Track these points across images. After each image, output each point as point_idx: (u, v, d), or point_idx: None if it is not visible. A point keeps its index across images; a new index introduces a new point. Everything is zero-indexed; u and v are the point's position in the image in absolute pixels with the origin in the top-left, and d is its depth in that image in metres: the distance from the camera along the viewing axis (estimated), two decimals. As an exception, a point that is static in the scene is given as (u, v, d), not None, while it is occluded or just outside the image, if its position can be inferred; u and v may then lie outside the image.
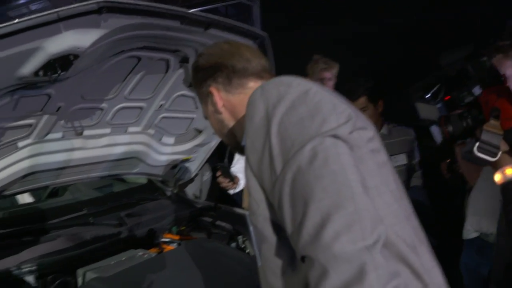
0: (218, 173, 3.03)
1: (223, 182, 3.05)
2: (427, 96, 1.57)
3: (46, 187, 2.81)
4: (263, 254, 0.99)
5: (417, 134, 3.29)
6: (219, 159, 3.11)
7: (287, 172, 0.87)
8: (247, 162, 0.97)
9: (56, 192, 2.89)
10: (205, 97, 1.22)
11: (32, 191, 2.82)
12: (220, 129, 1.24)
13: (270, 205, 0.93)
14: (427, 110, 1.58)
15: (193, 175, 3.04)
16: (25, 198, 2.83)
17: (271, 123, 0.91)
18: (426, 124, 1.59)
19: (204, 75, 1.20)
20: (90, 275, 1.92)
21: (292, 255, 0.92)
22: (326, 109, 0.91)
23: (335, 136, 0.88)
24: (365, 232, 0.79)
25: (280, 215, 0.89)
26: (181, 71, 2.19)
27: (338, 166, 0.85)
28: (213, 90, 1.18)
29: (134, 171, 2.65)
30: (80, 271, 1.96)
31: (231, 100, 1.17)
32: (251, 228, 1.03)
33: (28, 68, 1.53)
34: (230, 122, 1.19)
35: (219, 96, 1.18)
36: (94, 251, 2.10)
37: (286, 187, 0.87)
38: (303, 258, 0.83)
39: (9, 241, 2.08)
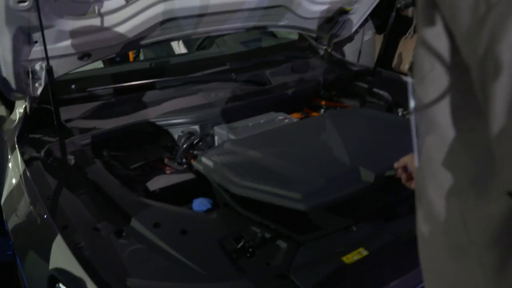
0: None
1: None
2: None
3: (192, 39, 2.72)
4: (426, 151, 0.58)
5: None
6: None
7: None
8: None
9: (203, 45, 2.76)
10: None
11: (182, 42, 2.74)
12: None
13: (460, 68, 0.50)
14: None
15: (352, 31, 2.55)
16: (175, 49, 2.78)
17: None
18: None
19: None
20: (226, 134, 1.78)
21: (483, 172, 0.50)
22: None
23: None
24: None
25: (483, 89, 0.46)
26: None
27: None
28: None
29: (282, 23, 2.29)
30: (217, 130, 1.83)
31: None
32: (411, 104, 0.62)
33: None
34: None
35: None
36: (232, 110, 1.94)
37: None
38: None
39: (150, 92, 2.03)
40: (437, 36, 0.53)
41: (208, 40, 2.70)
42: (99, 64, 2.50)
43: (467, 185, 0.52)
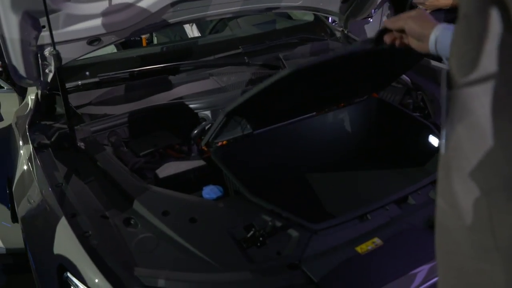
0: None
1: None
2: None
3: (205, 22, 2.67)
4: (455, 139, 0.52)
5: None
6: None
7: None
8: None
9: (217, 28, 2.70)
10: None
11: (195, 25, 2.69)
12: None
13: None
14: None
15: (370, 11, 2.45)
16: (188, 32, 2.73)
17: None
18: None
19: None
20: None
21: None
22: None
23: None
24: None
25: None
26: None
27: None
28: None
29: (297, 4, 2.21)
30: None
31: None
32: (444, 81, 0.55)
33: None
34: None
35: None
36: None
37: None
38: None
39: (161, 77, 2.00)
40: (484, 10, 0.45)
41: (222, 23, 2.64)
42: (112, 49, 2.48)
43: (498, 186, 0.46)
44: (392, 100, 2.12)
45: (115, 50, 2.46)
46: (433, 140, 1.78)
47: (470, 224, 0.49)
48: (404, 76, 2.18)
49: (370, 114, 2.01)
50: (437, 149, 1.75)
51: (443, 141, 0.53)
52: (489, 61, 0.45)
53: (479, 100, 0.45)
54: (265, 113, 1.66)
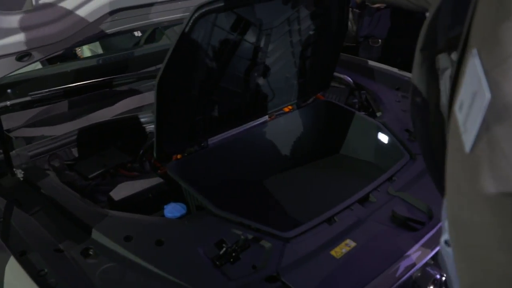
0: None
1: None
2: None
3: (139, 30, 2.55)
4: (489, 139, 0.48)
5: None
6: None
7: None
8: None
9: (153, 37, 2.59)
10: None
11: (126, 34, 2.56)
12: None
13: None
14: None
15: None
16: (120, 44, 2.59)
17: None
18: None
19: None
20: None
21: None
22: None
23: None
24: None
25: None
26: None
27: None
28: None
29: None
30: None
31: None
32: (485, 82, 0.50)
33: None
34: None
35: None
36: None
37: None
38: None
39: (102, 91, 1.87)
40: None
41: (158, 32, 2.54)
42: (36, 65, 2.28)
43: None
44: (338, 100, 2.16)
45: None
46: (382, 138, 1.84)
47: (500, 219, 0.48)
48: (346, 77, 2.24)
49: (319, 116, 2.04)
50: (386, 146, 1.81)
51: (470, 136, 0.50)
52: None
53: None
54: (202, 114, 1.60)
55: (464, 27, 0.52)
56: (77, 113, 1.75)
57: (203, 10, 1.34)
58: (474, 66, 0.47)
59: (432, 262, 1.26)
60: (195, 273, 1.14)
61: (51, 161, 1.53)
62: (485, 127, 0.47)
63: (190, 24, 1.32)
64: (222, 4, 1.39)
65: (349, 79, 2.23)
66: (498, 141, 0.46)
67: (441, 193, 0.64)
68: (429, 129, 0.65)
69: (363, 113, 2.02)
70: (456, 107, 0.53)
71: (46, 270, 1.07)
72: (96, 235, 1.20)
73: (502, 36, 0.44)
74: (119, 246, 1.17)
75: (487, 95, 0.45)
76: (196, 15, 1.32)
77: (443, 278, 1.25)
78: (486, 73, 0.46)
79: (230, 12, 1.44)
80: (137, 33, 2.61)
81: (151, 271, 1.12)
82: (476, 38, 0.49)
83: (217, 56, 1.50)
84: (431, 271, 1.25)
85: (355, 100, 2.12)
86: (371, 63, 2.34)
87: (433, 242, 1.28)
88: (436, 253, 1.25)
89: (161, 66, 1.32)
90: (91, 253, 1.16)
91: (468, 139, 0.50)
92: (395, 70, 2.24)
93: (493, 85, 0.45)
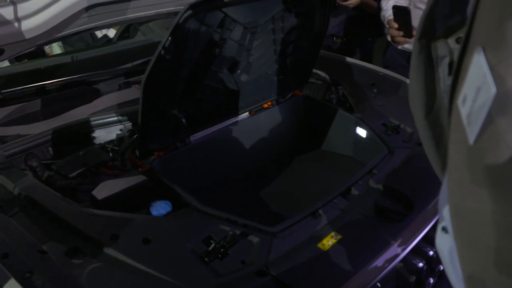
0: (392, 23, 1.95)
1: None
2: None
3: (115, 25, 2.50)
4: (493, 131, 0.50)
5: None
6: None
7: None
8: None
9: (127, 33, 2.55)
10: None
11: (101, 30, 2.50)
12: None
13: None
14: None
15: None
16: (95, 40, 2.53)
17: None
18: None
19: None
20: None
21: None
22: None
23: None
24: None
25: None
26: None
27: None
28: None
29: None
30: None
31: None
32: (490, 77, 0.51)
33: None
34: None
35: None
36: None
37: None
38: None
39: (78, 89, 1.82)
40: None
41: (132, 28, 2.49)
42: (3, 63, 2.19)
43: None
44: (316, 96, 2.19)
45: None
46: (361, 132, 1.88)
47: (501, 207, 0.49)
48: (322, 73, 2.27)
49: (298, 111, 2.06)
50: (365, 140, 1.85)
51: (475, 129, 0.52)
52: None
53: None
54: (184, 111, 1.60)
55: (466, 25, 0.54)
56: (53, 111, 1.70)
57: (195, 9, 1.32)
58: (478, 62, 0.49)
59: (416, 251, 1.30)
60: (184, 270, 1.13)
61: (28, 161, 1.48)
62: (490, 119, 0.49)
63: (180, 22, 1.31)
64: (213, 3, 1.39)
65: (326, 75, 2.26)
66: (502, 132, 0.48)
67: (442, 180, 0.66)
68: (428, 117, 0.67)
69: (341, 108, 2.05)
70: (459, 101, 0.54)
71: (31, 272, 1.04)
72: (80, 235, 1.17)
73: (508, 34, 0.46)
74: (105, 246, 1.15)
75: (493, 89, 0.47)
76: (187, 13, 1.31)
77: (425, 268, 1.30)
78: (491, 68, 0.48)
79: (218, 11, 1.44)
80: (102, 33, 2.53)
81: (139, 270, 1.11)
82: (480, 35, 0.50)
83: (203, 54, 1.50)
84: (414, 261, 1.29)
85: (333, 96, 2.15)
86: (348, 59, 2.38)
87: (414, 232, 1.32)
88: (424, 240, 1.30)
89: (149, 64, 1.30)
90: (76, 253, 1.14)
91: (472, 131, 0.52)
92: (370, 65, 2.29)
93: (498, 80, 0.47)
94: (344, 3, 2.61)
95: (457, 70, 0.56)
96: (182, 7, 1.34)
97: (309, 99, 2.07)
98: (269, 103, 2.01)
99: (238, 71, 1.70)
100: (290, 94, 2.10)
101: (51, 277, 1.05)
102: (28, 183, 1.34)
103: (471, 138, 0.52)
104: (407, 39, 1.92)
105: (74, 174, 1.45)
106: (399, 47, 2.17)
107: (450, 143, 0.59)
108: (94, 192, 1.36)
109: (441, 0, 0.61)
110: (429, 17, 0.63)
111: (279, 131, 2.00)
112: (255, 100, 1.89)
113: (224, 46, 1.56)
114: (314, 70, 2.22)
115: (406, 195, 1.42)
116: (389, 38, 2.08)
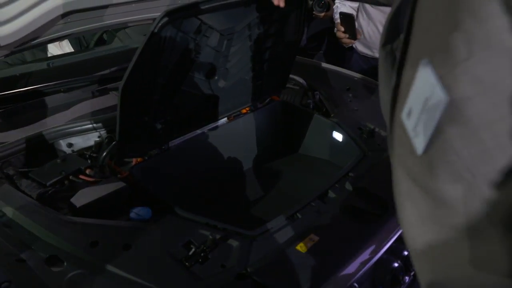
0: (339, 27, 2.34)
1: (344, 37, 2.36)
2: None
3: (92, 32, 2.48)
4: (443, 140, 0.52)
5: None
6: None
7: None
8: None
9: (103, 39, 2.53)
10: None
11: (78, 37, 2.48)
12: None
13: None
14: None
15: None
16: (71, 47, 2.51)
17: None
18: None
19: None
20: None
21: None
22: None
23: None
24: None
25: None
26: None
27: None
28: None
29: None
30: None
31: None
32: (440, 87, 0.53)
33: None
34: None
35: None
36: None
37: None
38: None
39: (54, 95, 1.81)
40: (491, 15, 0.40)
41: (109, 34, 2.48)
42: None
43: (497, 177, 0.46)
44: (293, 101, 2.23)
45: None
46: (337, 136, 1.92)
47: (459, 212, 0.52)
48: (299, 78, 2.31)
49: (276, 116, 2.09)
50: (341, 144, 1.89)
51: (423, 139, 0.54)
52: (489, 74, 0.43)
53: (475, 111, 0.46)
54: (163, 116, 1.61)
55: (400, 42, 0.56)
56: (28, 118, 1.68)
57: (171, 16, 1.34)
58: (425, 74, 0.50)
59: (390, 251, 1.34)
60: (165, 275, 1.14)
61: (4, 169, 1.46)
62: (439, 129, 0.51)
63: (157, 29, 1.32)
64: (189, 10, 1.41)
65: (303, 80, 2.30)
66: (450, 140, 0.50)
67: None
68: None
69: (318, 113, 2.10)
70: (403, 115, 0.56)
71: (9, 282, 1.03)
72: (59, 242, 1.17)
73: (452, 45, 0.46)
74: (85, 253, 1.15)
75: (444, 99, 0.49)
76: (163, 20, 1.32)
77: (400, 267, 1.34)
78: (441, 78, 0.48)
79: (195, 18, 1.46)
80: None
81: (120, 276, 1.11)
82: (424, 48, 0.52)
83: (180, 61, 1.51)
84: (389, 260, 1.33)
85: (309, 101, 2.19)
86: (324, 64, 2.43)
87: (389, 232, 1.36)
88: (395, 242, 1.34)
89: (126, 71, 1.31)
90: (56, 261, 1.13)
91: (420, 142, 0.53)
92: (346, 71, 2.35)
93: (448, 89, 0.49)
94: (319, 14, 2.67)
95: (396, 85, 0.58)
96: (159, 14, 1.36)
97: (287, 104, 2.11)
98: (247, 109, 2.03)
99: (216, 77, 1.72)
100: (268, 100, 2.14)
101: (30, 286, 1.05)
102: (4, 191, 1.33)
103: (419, 149, 0.53)
104: (352, 41, 2.36)
105: (51, 182, 1.43)
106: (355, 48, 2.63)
107: (392, 157, 0.60)
108: (72, 200, 1.35)
109: (403, 8, 0.64)
110: (392, 23, 0.66)
111: (258, 136, 2.02)
112: (233, 106, 1.91)
113: (201, 53, 1.58)
114: (291, 76, 2.26)
115: (381, 196, 1.46)
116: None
